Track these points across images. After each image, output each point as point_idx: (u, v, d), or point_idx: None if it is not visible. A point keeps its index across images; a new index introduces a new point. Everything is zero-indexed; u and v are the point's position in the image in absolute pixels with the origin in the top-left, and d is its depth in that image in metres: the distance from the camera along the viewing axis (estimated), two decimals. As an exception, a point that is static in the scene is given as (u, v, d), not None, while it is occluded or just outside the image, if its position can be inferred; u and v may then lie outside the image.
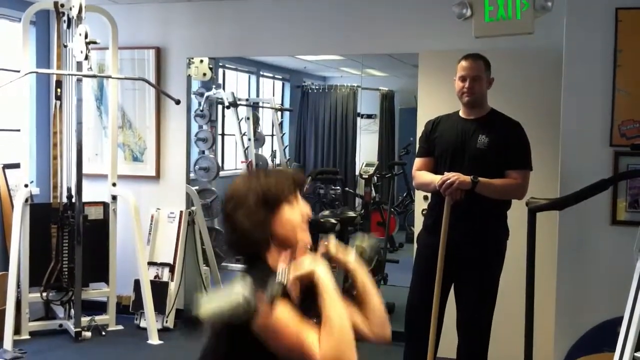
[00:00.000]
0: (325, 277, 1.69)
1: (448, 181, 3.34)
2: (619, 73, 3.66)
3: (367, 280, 1.89)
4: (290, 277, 1.65)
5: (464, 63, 3.50)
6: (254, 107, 8.54)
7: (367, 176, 7.50)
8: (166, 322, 5.26)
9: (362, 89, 9.32)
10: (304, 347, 1.61)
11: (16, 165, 5.19)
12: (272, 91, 10.04)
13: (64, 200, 5.12)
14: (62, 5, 5.00)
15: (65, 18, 5.02)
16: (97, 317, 5.20)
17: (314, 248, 1.88)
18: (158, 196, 5.62)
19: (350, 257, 1.89)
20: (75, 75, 4.93)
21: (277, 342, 1.62)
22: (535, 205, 3.42)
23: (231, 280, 1.63)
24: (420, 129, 3.90)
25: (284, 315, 1.62)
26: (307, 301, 1.71)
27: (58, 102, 5.15)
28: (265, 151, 9.03)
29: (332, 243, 1.88)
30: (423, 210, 4.13)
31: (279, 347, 1.62)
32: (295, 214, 1.80)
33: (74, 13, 4.83)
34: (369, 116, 9.53)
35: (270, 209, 1.77)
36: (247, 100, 8.42)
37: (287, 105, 10.17)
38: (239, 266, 6.42)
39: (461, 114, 3.58)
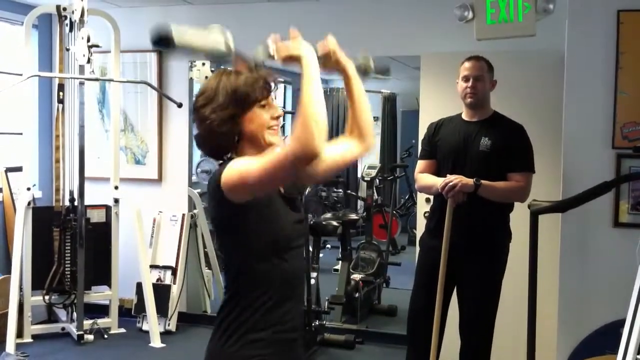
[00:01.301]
0: (311, 61, 1.71)
1: (450, 184, 3.34)
2: (620, 75, 3.66)
3: (361, 88, 1.97)
4: (279, 54, 1.70)
5: (466, 64, 3.51)
6: (256, 110, 8.53)
7: (369, 179, 7.50)
8: (168, 325, 5.26)
9: (364, 91, 9.32)
10: (269, 162, 1.66)
11: (19, 169, 5.20)
12: (274, 94, 10.03)
13: (67, 203, 5.12)
14: (65, 9, 5.01)
15: (67, 22, 5.03)
16: (99, 320, 5.21)
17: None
18: (160, 199, 5.62)
19: (350, 63, 1.94)
20: (77, 78, 4.94)
21: (244, 181, 1.68)
22: (537, 208, 3.41)
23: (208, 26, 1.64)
24: (422, 132, 3.90)
25: (239, 160, 1.73)
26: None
27: (60, 106, 5.16)
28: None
29: (334, 43, 1.90)
30: (425, 212, 4.13)
31: (250, 185, 1.68)
32: (264, 113, 1.83)
33: (76, 16, 4.84)
34: (371, 119, 9.53)
35: (239, 107, 1.80)
36: (249, 103, 8.41)
37: (289, 108, 10.17)
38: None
39: (464, 116, 3.58)
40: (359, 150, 1.97)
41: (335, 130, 9.65)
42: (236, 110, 1.79)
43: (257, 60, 1.68)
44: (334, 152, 1.90)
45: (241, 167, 1.70)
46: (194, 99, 1.87)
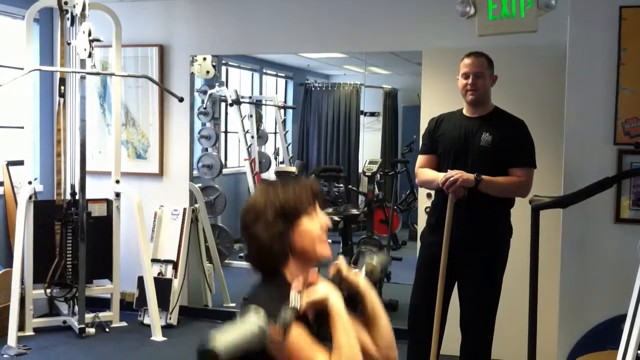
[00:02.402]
0: (337, 304, 1.70)
1: (451, 179, 3.34)
2: (622, 71, 3.66)
3: (376, 302, 1.89)
4: (303, 303, 1.66)
5: (466, 60, 3.50)
6: (257, 104, 8.54)
7: (370, 174, 7.50)
8: (169, 318, 5.27)
9: (365, 86, 9.32)
10: None
11: (20, 163, 5.20)
12: (275, 89, 10.03)
13: (68, 197, 5.12)
14: (66, 3, 5.01)
15: (68, 15, 5.03)
16: (100, 314, 5.22)
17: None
18: (161, 193, 5.63)
19: (361, 279, 1.88)
20: (78, 72, 4.94)
21: None
22: (538, 203, 3.41)
23: (243, 310, 1.64)
24: (423, 127, 3.90)
25: (298, 339, 1.63)
26: (322, 328, 1.72)
27: (62, 100, 5.15)
28: (268, 149, 9.03)
29: (343, 264, 1.87)
30: (426, 208, 4.13)
31: None
32: (314, 225, 1.79)
33: (78, 11, 4.84)
34: (372, 114, 9.53)
35: (288, 222, 1.76)
36: (250, 97, 8.42)
37: (290, 103, 10.17)
38: (242, 263, 6.44)
39: (464, 111, 3.58)
40: (375, 355, 1.88)
41: (337, 124, 9.66)
42: (286, 225, 1.76)
43: (285, 322, 1.64)
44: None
45: (297, 348, 1.63)
46: (241, 216, 1.81)
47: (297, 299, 1.66)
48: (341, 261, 1.88)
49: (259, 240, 1.76)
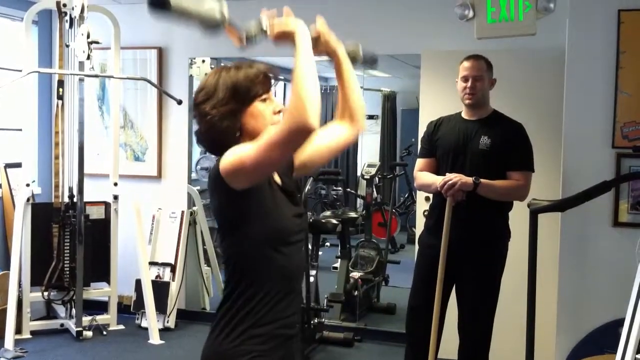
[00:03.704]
0: (305, 38, 1.75)
1: (450, 182, 3.34)
2: (621, 75, 3.66)
3: (351, 70, 1.96)
4: (272, 30, 1.74)
5: (465, 63, 3.50)
6: (256, 107, 8.52)
7: (368, 177, 7.49)
8: (167, 322, 5.26)
9: (364, 89, 9.30)
10: (265, 142, 1.66)
11: (18, 165, 5.19)
12: (274, 92, 10.03)
13: (66, 199, 5.12)
14: (65, 5, 5.01)
15: (67, 18, 5.02)
16: (98, 317, 5.21)
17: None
18: (159, 196, 5.62)
19: (340, 46, 1.94)
20: (77, 75, 4.93)
21: (242, 167, 1.68)
22: (537, 207, 3.41)
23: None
24: (422, 130, 3.89)
25: (235, 148, 1.72)
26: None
27: (60, 102, 5.15)
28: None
29: (324, 26, 1.91)
30: (425, 211, 4.12)
31: (248, 170, 1.68)
32: (266, 108, 1.82)
33: (76, 13, 4.84)
34: (371, 117, 9.53)
35: (240, 102, 1.79)
36: (248, 100, 8.40)
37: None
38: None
39: (463, 114, 3.58)
40: (352, 133, 1.99)
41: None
42: (237, 105, 1.78)
43: (249, 34, 1.68)
44: (327, 138, 1.93)
45: (239, 151, 1.70)
46: (193, 95, 1.85)
47: (266, 23, 1.72)
48: (322, 22, 1.91)
49: (209, 117, 1.78)
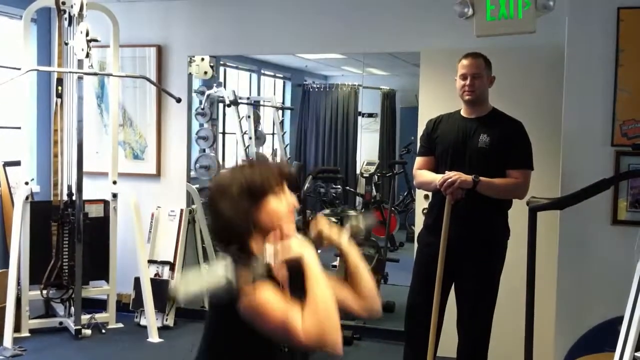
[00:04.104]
0: (312, 261, 1.70)
1: (449, 180, 3.33)
2: (620, 72, 3.66)
3: (358, 260, 1.92)
4: (276, 260, 1.68)
5: (464, 61, 3.50)
6: (255, 105, 8.53)
7: (367, 175, 7.50)
8: (166, 320, 5.26)
9: (363, 87, 9.32)
10: (287, 325, 1.62)
11: (17, 163, 5.19)
12: (273, 90, 10.03)
13: (65, 198, 5.11)
14: (64, 3, 5.00)
15: (66, 16, 5.02)
16: (97, 315, 5.20)
17: (306, 227, 1.90)
18: (158, 194, 5.61)
19: (343, 238, 1.91)
20: (76, 73, 4.93)
21: (262, 321, 1.64)
22: (536, 205, 3.41)
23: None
24: (421, 128, 3.89)
25: (268, 296, 1.64)
26: (295, 281, 1.74)
27: (59, 100, 5.14)
28: (266, 150, 9.02)
29: (324, 222, 1.89)
30: (424, 209, 4.13)
31: (264, 326, 1.65)
32: (280, 204, 1.80)
33: (75, 11, 4.83)
34: (370, 115, 9.52)
35: (254, 200, 1.76)
36: (248, 98, 8.41)
37: (288, 103, 10.16)
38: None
39: (462, 112, 3.58)
40: (358, 309, 1.92)
41: (334, 125, 9.65)
42: (251, 203, 1.76)
43: (256, 274, 1.66)
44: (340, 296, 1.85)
45: (267, 305, 1.64)
46: (208, 190, 1.83)
47: (271, 255, 1.68)
48: (323, 219, 1.90)
49: (223, 216, 1.76)
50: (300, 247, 1.73)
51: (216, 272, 1.58)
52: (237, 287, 1.59)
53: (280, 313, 1.63)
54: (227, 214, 1.75)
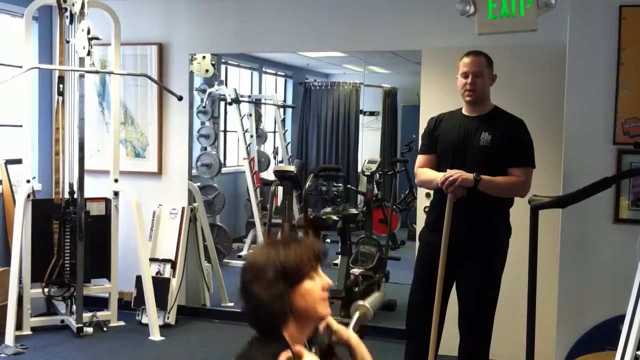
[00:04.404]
0: None
1: (450, 178, 3.33)
2: (622, 71, 3.65)
3: (366, 355, 1.93)
4: None
5: (465, 59, 3.49)
6: (257, 103, 8.54)
7: (369, 173, 7.50)
8: (168, 318, 5.26)
9: (364, 86, 9.33)
10: None
11: (18, 161, 5.19)
12: (275, 88, 10.03)
13: (66, 196, 5.11)
14: (65, 1, 5.00)
15: (67, 14, 5.02)
16: (98, 313, 5.21)
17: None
18: (160, 192, 5.62)
19: (351, 333, 1.92)
20: (77, 71, 4.93)
21: None
22: (537, 203, 3.41)
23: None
24: (422, 126, 3.89)
25: None
26: None
27: (60, 98, 5.14)
28: (268, 148, 9.03)
29: (332, 321, 1.88)
30: (425, 207, 4.12)
31: None
32: (315, 285, 1.77)
33: (77, 9, 4.83)
34: (372, 113, 9.54)
35: (289, 282, 1.74)
36: (249, 96, 8.42)
37: (289, 102, 10.17)
38: (240, 263, 6.42)
39: (464, 111, 3.57)
40: None
41: (336, 123, 9.66)
42: (286, 286, 1.73)
43: None
44: None
45: None
46: (241, 273, 1.79)
47: None
48: (331, 319, 1.87)
49: (258, 299, 1.73)
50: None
51: None
52: None
53: None
54: (262, 297, 1.72)
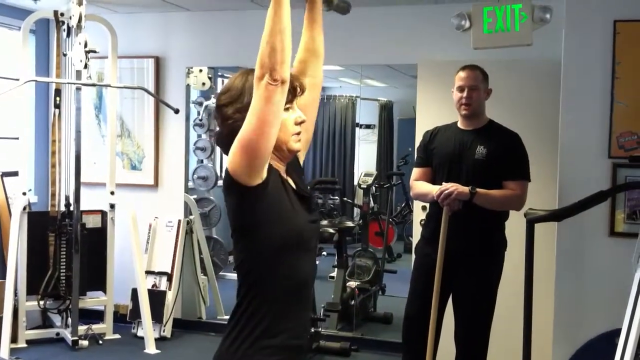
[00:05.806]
0: None
1: (446, 191, 3.34)
2: (617, 85, 3.67)
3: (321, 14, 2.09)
4: None
5: (461, 74, 3.51)
6: (253, 116, 8.52)
7: (365, 186, 7.49)
8: (163, 331, 5.25)
9: (361, 99, 9.33)
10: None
11: (15, 173, 5.18)
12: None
13: (62, 208, 5.11)
14: (62, 14, 5.02)
15: (65, 27, 5.03)
16: (94, 326, 5.19)
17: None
18: (156, 205, 5.61)
19: None
20: (74, 83, 4.94)
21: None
22: (533, 216, 3.41)
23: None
24: (418, 140, 3.90)
25: None
26: None
27: (57, 111, 5.15)
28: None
29: None
30: (421, 220, 4.13)
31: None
32: (288, 118, 1.80)
33: (74, 22, 4.85)
34: (368, 126, 9.54)
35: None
36: (245, 110, 8.40)
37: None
38: (236, 276, 6.42)
39: (459, 124, 3.59)
40: (320, 63, 2.10)
41: (332, 136, 9.66)
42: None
43: None
44: (311, 85, 1.98)
45: (236, 140, 1.68)
46: (216, 96, 1.85)
47: None
48: None
49: (231, 120, 1.77)
50: None
51: None
52: None
53: (243, 126, 1.67)
54: (236, 120, 1.75)
